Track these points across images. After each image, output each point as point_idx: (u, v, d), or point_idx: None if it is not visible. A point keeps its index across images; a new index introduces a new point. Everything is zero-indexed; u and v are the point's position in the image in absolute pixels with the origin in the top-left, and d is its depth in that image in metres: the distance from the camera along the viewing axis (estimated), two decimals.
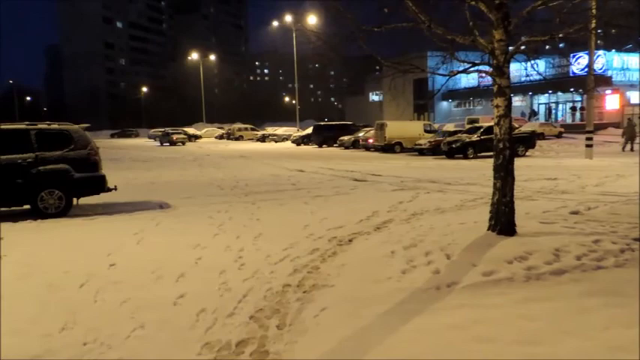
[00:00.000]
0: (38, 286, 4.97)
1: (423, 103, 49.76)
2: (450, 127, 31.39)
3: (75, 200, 9.25)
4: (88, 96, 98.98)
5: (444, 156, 22.14)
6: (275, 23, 53.77)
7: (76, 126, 9.66)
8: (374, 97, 66.80)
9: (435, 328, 3.76)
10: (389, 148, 27.23)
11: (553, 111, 42.34)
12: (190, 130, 54.56)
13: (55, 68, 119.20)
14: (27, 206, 8.87)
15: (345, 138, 32.67)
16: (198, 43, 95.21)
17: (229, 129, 54.41)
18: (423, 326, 3.80)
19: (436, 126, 32.74)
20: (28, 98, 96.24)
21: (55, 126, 9.40)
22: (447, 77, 7.13)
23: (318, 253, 6.12)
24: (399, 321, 3.91)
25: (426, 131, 28.25)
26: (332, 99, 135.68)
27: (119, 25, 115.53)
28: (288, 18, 46.78)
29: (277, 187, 12.88)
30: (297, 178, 14.76)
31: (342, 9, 6.58)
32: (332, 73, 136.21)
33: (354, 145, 31.43)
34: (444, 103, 51.99)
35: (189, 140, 47.37)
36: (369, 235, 7.04)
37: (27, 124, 9.27)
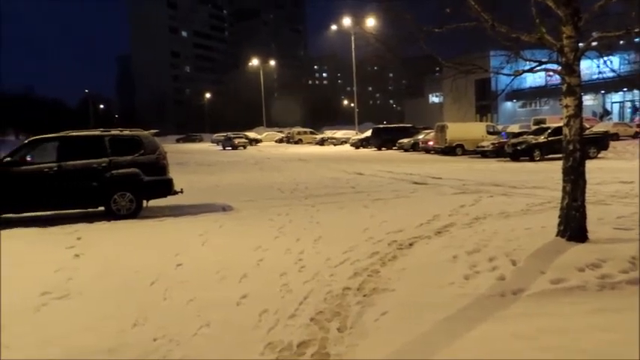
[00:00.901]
0: (112, 284, 5.26)
1: (485, 104, 48.30)
2: (514, 128, 30.29)
3: (145, 202, 9.71)
4: (155, 103, 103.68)
5: (509, 158, 21.37)
6: (333, 27, 54.03)
7: (146, 132, 10.15)
8: (434, 98, 65.65)
9: (500, 336, 3.64)
10: (450, 150, 26.63)
11: (628, 110, 39.87)
12: (251, 134, 55.90)
13: (126, 77, 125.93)
14: (101, 208, 9.40)
15: (405, 140, 32.29)
16: (259, 48, 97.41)
17: (289, 132, 55.25)
18: (487, 334, 3.70)
19: (500, 127, 31.68)
20: (102, 106, 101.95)
21: (126, 132, 9.93)
22: (512, 77, 6.89)
23: (377, 256, 6.09)
24: (463, 328, 3.82)
25: (489, 133, 27.39)
26: (391, 101, 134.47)
27: (184, 34, 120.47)
28: (347, 21, 46.90)
29: (336, 190, 12.92)
30: (357, 181, 14.75)
31: (401, 10, 6.53)
32: (391, 75, 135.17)
33: (414, 147, 31.00)
34: (508, 104, 50.24)
35: (250, 144, 48.54)
36: (430, 239, 6.92)
37: (101, 131, 9.85)
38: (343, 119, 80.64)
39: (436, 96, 64.27)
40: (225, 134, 52.12)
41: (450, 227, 7.60)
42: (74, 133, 9.78)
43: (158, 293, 4.93)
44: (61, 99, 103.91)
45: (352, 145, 39.57)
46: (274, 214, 9.24)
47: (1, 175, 8.78)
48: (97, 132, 9.86)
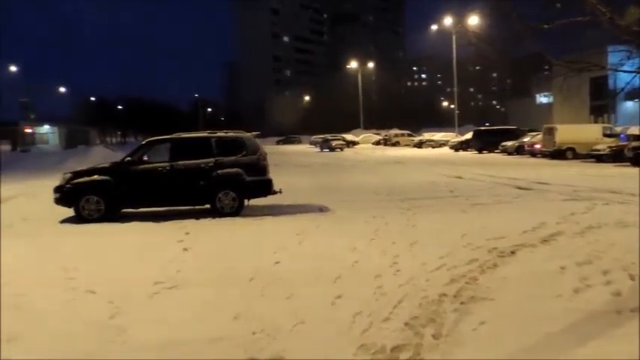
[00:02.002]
0: (216, 278, 5.57)
1: (601, 104, 44.53)
2: (635, 130, 27.57)
3: (246, 201, 10.17)
4: (258, 106, 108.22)
5: (629, 163, 19.49)
6: (433, 27, 52.87)
7: (248, 134, 10.64)
8: (542, 99, 61.69)
9: (615, 356, 3.34)
10: (559, 154, 24.87)
11: None
12: (348, 137, 56.33)
13: (231, 82, 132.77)
14: (207, 205, 9.99)
15: (509, 143, 30.72)
16: (357, 51, 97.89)
17: (386, 135, 54.91)
18: (600, 353, 3.41)
19: (618, 129, 29.00)
20: (209, 109, 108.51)
21: (231, 134, 10.47)
22: (634, 74, 6.29)
23: (476, 263, 5.85)
24: (572, 344, 3.56)
25: (606, 135, 25.20)
26: (494, 102, 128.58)
27: (285, 39, 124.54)
28: (448, 21, 45.68)
29: (434, 193, 12.62)
30: (455, 185, 14.30)
31: (507, 7, 6.24)
32: (494, 75, 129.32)
33: (518, 150, 29.37)
34: (629, 104, 45.77)
35: (348, 146, 48.91)
36: (535, 247, 6.52)
37: (208, 133, 10.47)
38: (442, 121, 78.51)
39: (544, 96, 60.34)
40: (323, 136, 53.03)
41: (558, 236, 7.11)
42: (184, 135, 10.50)
43: (257, 289, 5.14)
44: (175, 103, 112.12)
45: (451, 147, 38.42)
46: (370, 217, 9.24)
47: (122, 173, 9.66)
48: (204, 134, 10.50)
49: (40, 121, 57.26)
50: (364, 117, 71.03)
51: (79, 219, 9.37)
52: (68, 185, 9.55)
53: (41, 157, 31.94)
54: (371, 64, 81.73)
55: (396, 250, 6.59)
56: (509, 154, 29.95)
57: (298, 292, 4.96)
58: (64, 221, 9.45)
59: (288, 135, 79.26)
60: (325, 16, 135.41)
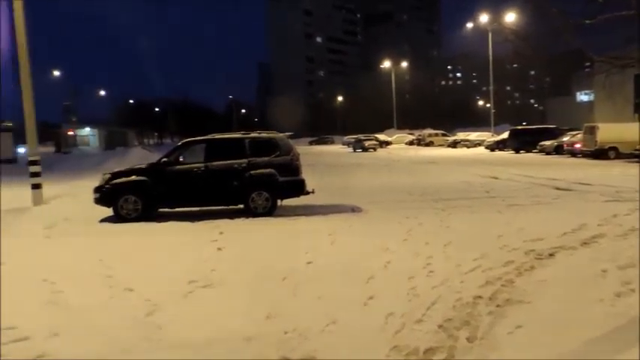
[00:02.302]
0: (249, 277, 5.63)
1: None
2: None
3: (279, 201, 10.23)
4: (290, 107, 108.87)
5: None
6: (469, 25, 51.98)
7: (281, 134, 10.71)
8: (582, 96, 59.75)
9: None
10: (601, 153, 24.06)
11: None
12: (381, 137, 56.04)
13: (265, 83, 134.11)
14: (241, 205, 10.10)
15: (547, 143, 29.91)
16: (391, 50, 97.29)
17: (419, 135, 54.35)
18: None
19: None
20: (243, 111, 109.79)
21: (264, 135, 10.56)
22: None
23: (513, 265, 5.72)
24: (613, 351, 3.43)
25: None
26: (531, 101, 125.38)
27: (318, 40, 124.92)
28: (484, 18, 44.85)
29: (469, 194, 12.41)
30: (491, 186, 14.02)
31: (546, 3, 6.06)
32: (532, 72, 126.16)
33: (557, 150, 28.57)
34: None
35: (380, 146, 48.66)
36: (575, 250, 6.32)
37: (242, 134, 10.59)
38: (477, 120, 77.08)
39: (585, 94, 58.40)
40: (355, 136, 52.92)
41: (600, 238, 6.87)
42: (219, 136, 10.65)
43: (289, 288, 5.16)
44: (210, 104, 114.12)
45: (487, 147, 37.70)
46: (403, 217, 9.15)
47: (158, 174, 9.87)
48: (238, 135, 10.63)
49: (82, 124, 59.18)
50: (397, 117, 70.49)
51: (117, 218, 9.63)
52: (107, 186, 9.83)
53: (82, 158, 32.99)
54: (404, 64, 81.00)
55: (430, 251, 6.51)
56: (548, 153, 29.17)
57: (330, 292, 4.96)
58: (103, 220, 9.73)
59: (321, 135, 79.43)
60: (359, 16, 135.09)
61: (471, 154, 33.60)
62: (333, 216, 9.62)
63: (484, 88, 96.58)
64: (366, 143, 45.63)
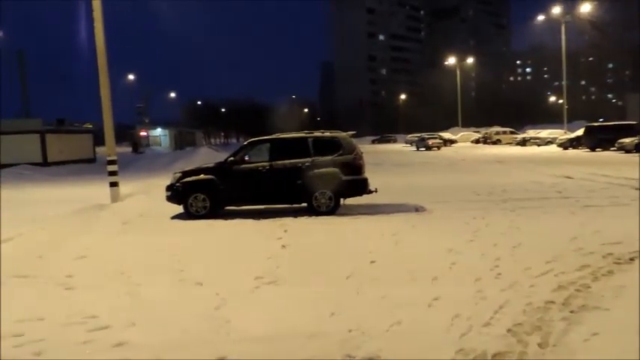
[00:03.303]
0: (313, 275, 5.70)
1: None
2: None
3: (342, 200, 10.27)
4: (353, 106, 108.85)
5: None
6: (540, 17, 49.70)
7: (344, 133, 10.73)
8: None
9: None
10: None
11: None
12: (446, 135, 54.79)
13: (328, 82, 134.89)
14: (304, 204, 10.22)
15: (627, 140, 28.03)
16: (456, 46, 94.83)
17: (486, 133, 52.63)
18: None
19: None
20: (306, 110, 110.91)
21: (327, 134, 10.63)
22: None
23: (588, 270, 5.43)
24: None
25: None
26: (609, 96, 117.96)
27: (381, 37, 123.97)
28: (556, 10, 42.77)
29: (539, 194, 11.88)
30: (564, 186, 13.35)
31: None
32: (610, 66, 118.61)
33: (638, 148, 26.73)
34: None
35: (445, 145, 47.60)
36: None
37: (306, 133, 10.71)
38: (549, 117, 73.57)
39: None
40: (418, 135, 52.07)
41: None
42: (283, 136, 10.83)
43: (353, 287, 5.18)
44: (274, 104, 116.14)
45: (559, 145, 35.88)
46: (469, 217, 8.92)
47: (225, 172, 10.19)
48: (301, 134, 10.76)
49: (153, 125, 62.14)
50: (462, 115, 68.58)
51: (187, 215, 10.04)
52: (178, 184, 10.27)
53: (154, 157, 34.63)
54: (470, 60, 78.67)
55: (498, 252, 6.31)
56: (628, 152, 27.34)
57: (394, 292, 4.93)
58: (174, 217, 10.17)
59: (384, 134, 78.80)
60: (422, 12, 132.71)
61: (542, 153, 32.12)
62: (397, 215, 9.53)
63: (556, 83, 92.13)
64: (430, 142, 44.76)
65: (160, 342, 3.90)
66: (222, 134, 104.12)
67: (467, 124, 69.94)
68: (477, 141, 52.53)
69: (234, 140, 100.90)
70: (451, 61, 71.59)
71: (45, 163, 29.72)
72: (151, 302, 4.90)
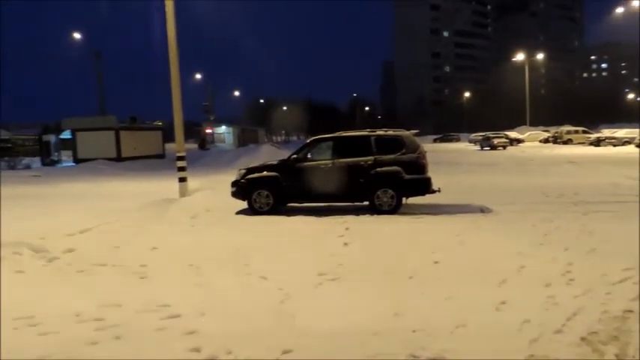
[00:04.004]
0: (375, 273, 5.69)
1: None
2: None
3: (404, 199, 10.17)
4: (415, 104, 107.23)
5: None
6: (618, 10, 46.79)
7: (408, 132, 10.61)
8: None
9: None
10: None
11: None
12: (512, 134, 52.81)
13: (389, 80, 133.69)
14: (366, 202, 10.21)
15: None
16: (525, 42, 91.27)
17: (556, 132, 50.18)
18: None
19: None
20: (367, 108, 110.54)
21: (390, 132, 10.55)
22: None
23: None
24: None
25: None
26: None
27: (445, 34, 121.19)
28: (636, 3, 40.12)
29: (615, 197, 11.21)
30: None
31: None
32: None
33: None
34: None
35: (511, 144, 45.86)
36: None
37: (368, 132, 10.69)
38: (626, 116, 69.18)
39: None
40: (483, 134, 50.52)
41: None
42: (345, 134, 10.86)
43: (416, 287, 5.13)
44: (334, 102, 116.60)
45: (638, 146, 33.66)
46: (538, 220, 8.58)
47: (288, 170, 10.36)
48: (364, 132, 10.74)
49: (218, 123, 64.03)
50: (531, 113, 65.76)
51: (251, 211, 10.30)
52: (242, 180, 10.55)
53: (219, 154, 35.71)
54: (540, 56, 75.24)
55: (569, 257, 6.04)
56: None
57: (459, 293, 4.83)
58: (239, 212, 10.47)
59: (446, 133, 77.08)
60: (489, 7, 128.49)
61: (619, 153, 30.25)
62: (461, 216, 9.32)
63: (635, 80, 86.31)
64: (495, 141, 43.25)
65: (228, 332, 4.03)
66: (283, 132, 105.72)
67: (535, 122, 67.02)
68: (545, 140, 50.23)
69: (294, 138, 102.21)
70: (519, 57, 68.80)
71: (119, 158, 31.41)
72: (219, 294, 5.08)
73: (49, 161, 33.82)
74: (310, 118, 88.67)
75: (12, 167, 28.65)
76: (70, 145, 33.03)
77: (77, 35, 39.55)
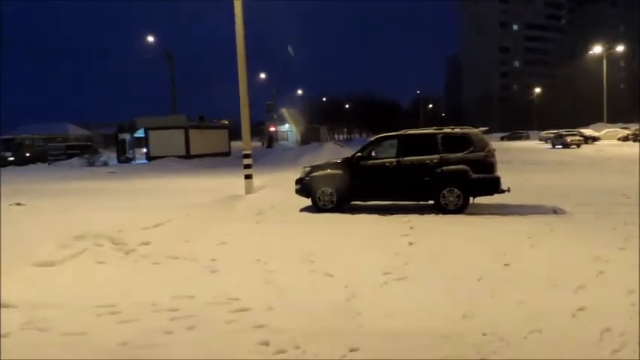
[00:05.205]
0: (442, 274, 5.57)
1: None
2: None
3: (471, 199, 9.89)
4: (481, 100, 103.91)
5: None
6: None
7: (476, 130, 10.30)
8: None
9: None
10: None
11: None
12: (587, 132, 49.95)
13: (454, 76, 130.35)
14: (430, 201, 10.02)
15: None
16: (603, 34, 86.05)
17: (637, 129, 46.94)
18: None
19: None
20: (430, 106, 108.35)
21: (457, 130, 10.29)
22: None
23: None
24: None
25: None
26: None
27: (515, 27, 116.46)
28: None
29: None
30: None
31: None
32: None
33: None
34: None
35: (586, 142, 43.37)
36: None
37: (435, 129, 10.48)
38: None
39: None
40: (555, 131, 48.17)
41: None
42: (410, 132, 10.71)
43: (485, 290, 4.97)
44: (397, 100, 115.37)
45: None
46: (618, 222, 8.06)
47: (353, 168, 10.35)
48: (430, 130, 10.54)
49: (281, 121, 65.05)
50: (608, 109, 61.86)
51: (315, 208, 10.39)
52: (307, 178, 10.66)
53: (282, 152, 36.33)
54: (620, 48, 70.51)
55: None
56: None
57: (532, 298, 4.64)
58: (303, 210, 10.59)
59: (515, 130, 74.16)
60: None
61: None
62: (532, 217, 8.94)
63: None
64: (568, 139, 41.05)
65: (295, 328, 4.09)
66: (346, 130, 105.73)
67: (613, 119, 63.06)
68: (624, 138, 47.07)
69: (357, 136, 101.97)
70: (597, 50, 64.89)
71: (187, 155, 32.70)
72: (286, 289, 5.17)
73: (124, 158, 35.76)
74: (372, 116, 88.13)
75: (91, 164, 30.53)
76: (143, 143, 34.77)
77: (150, 38, 41.47)
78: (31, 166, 31.44)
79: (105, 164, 31.21)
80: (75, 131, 63.49)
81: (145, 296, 4.90)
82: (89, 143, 45.74)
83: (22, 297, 4.74)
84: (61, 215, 9.17)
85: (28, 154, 35.11)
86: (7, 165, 31.76)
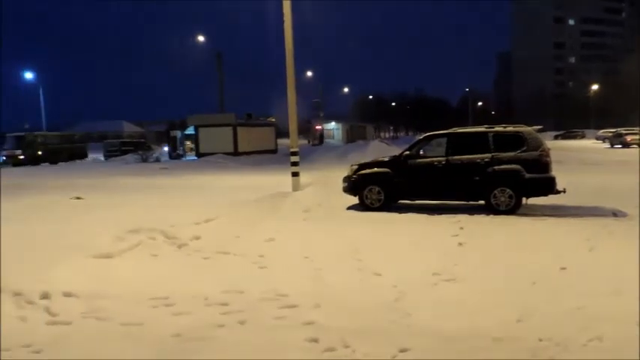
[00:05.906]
0: (494, 276, 5.43)
1: None
2: None
3: (524, 199, 9.58)
4: (533, 98, 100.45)
5: None
6: None
7: (529, 128, 9.97)
8: None
9: None
10: None
11: None
12: None
13: (504, 73, 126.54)
14: (481, 201, 9.78)
15: None
16: None
17: None
18: None
19: None
20: (479, 103, 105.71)
21: (510, 129, 9.99)
22: None
23: None
24: None
25: None
26: None
27: (570, 22, 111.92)
28: None
29: None
30: None
31: None
32: None
33: None
34: None
35: None
36: None
37: (486, 128, 10.21)
38: None
39: None
40: (614, 130, 45.94)
41: None
42: (460, 130, 10.47)
43: (540, 294, 4.81)
44: (445, 98, 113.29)
45: None
46: None
47: (400, 166, 10.24)
48: (481, 128, 10.28)
49: (327, 119, 65.20)
50: None
51: (362, 207, 10.34)
52: (354, 176, 10.63)
53: (329, 150, 36.35)
54: None
55: None
56: None
57: (592, 303, 4.44)
58: (350, 208, 10.56)
59: (569, 129, 71.30)
60: None
61: None
62: (590, 219, 8.57)
63: None
64: (628, 138, 39.04)
65: (343, 326, 4.09)
66: (392, 128, 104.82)
67: None
68: None
69: (403, 134, 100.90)
70: None
71: (235, 152, 33.29)
72: (333, 287, 5.17)
73: (175, 155, 36.81)
74: (420, 114, 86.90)
75: (144, 160, 31.60)
76: (193, 139, 35.67)
77: (201, 38, 42.45)
78: (62, 164, 30.45)
79: (157, 160, 32.20)
80: (129, 128, 65.95)
81: (197, 289, 5.02)
82: (142, 140, 47.36)
83: (82, 287, 4.95)
84: (115, 210, 9.53)
85: (40, 153, 32.41)
86: (18, 164, 30.14)
